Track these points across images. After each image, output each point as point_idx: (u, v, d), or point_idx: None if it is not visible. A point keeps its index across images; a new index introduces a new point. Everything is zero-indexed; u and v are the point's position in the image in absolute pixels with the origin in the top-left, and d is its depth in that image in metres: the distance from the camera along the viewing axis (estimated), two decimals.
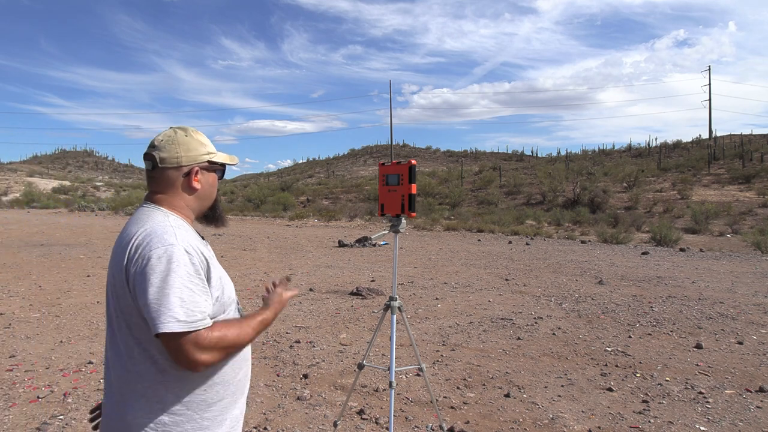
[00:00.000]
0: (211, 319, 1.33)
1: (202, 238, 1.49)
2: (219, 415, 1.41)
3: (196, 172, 1.47)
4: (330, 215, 26.87)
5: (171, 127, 1.50)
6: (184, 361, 1.27)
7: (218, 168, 1.54)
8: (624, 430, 3.43)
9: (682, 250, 14.39)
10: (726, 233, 18.78)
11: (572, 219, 23.33)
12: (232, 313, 1.46)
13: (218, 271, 1.42)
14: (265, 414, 3.61)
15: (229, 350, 1.35)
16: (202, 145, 1.49)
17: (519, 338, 5.53)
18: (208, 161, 1.50)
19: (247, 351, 1.53)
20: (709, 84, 53.07)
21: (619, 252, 13.87)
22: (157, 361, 1.32)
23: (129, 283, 1.30)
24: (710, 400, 3.89)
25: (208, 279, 1.36)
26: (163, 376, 1.33)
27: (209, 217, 1.58)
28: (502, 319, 6.35)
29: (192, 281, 1.29)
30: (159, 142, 1.45)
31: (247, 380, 1.53)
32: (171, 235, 1.32)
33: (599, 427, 3.46)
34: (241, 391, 1.49)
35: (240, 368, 1.47)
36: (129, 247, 1.31)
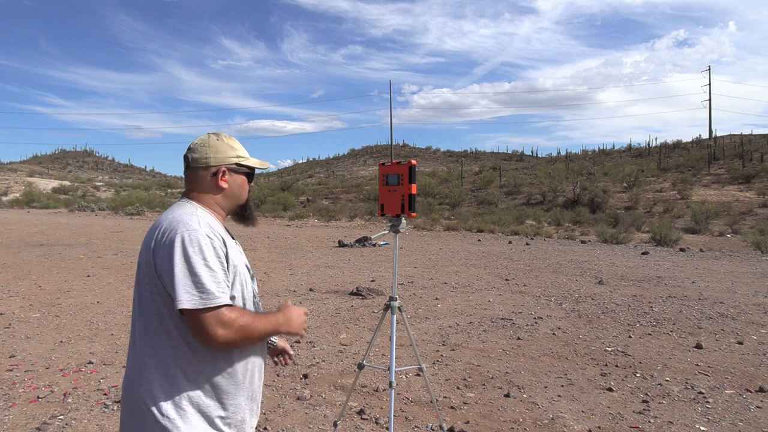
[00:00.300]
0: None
1: (232, 237, 1.60)
2: (225, 399, 1.48)
3: (224, 173, 1.60)
4: (330, 215, 26.88)
5: (207, 133, 1.65)
6: (205, 335, 1.38)
7: (246, 170, 1.66)
8: (624, 430, 3.43)
9: (682, 250, 14.39)
10: (726, 233, 18.78)
11: (572, 219, 23.33)
12: (249, 305, 1.56)
13: (236, 261, 1.52)
14: (265, 414, 3.61)
15: (244, 334, 1.41)
16: (231, 149, 1.62)
17: (519, 338, 5.53)
18: (237, 163, 1.62)
19: (255, 348, 1.58)
20: (709, 84, 53.10)
21: (619, 252, 13.87)
22: (172, 336, 1.43)
23: (156, 264, 1.43)
24: (710, 400, 3.89)
25: (225, 266, 1.46)
26: (174, 352, 1.43)
27: (240, 216, 1.72)
28: (502, 319, 6.35)
29: (213, 262, 1.40)
30: (194, 145, 1.62)
31: (255, 376, 1.59)
32: (195, 222, 1.44)
33: (599, 427, 3.47)
34: (249, 383, 1.55)
35: (248, 359, 1.54)
36: (156, 231, 1.45)
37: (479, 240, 17.25)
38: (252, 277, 1.65)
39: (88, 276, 9.11)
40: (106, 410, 3.66)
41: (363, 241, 15.13)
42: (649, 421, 3.55)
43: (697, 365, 4.69)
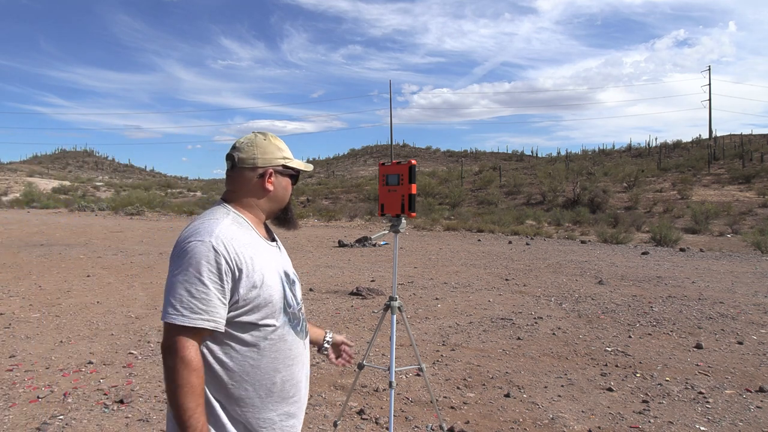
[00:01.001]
0: (231, 316, 1.36)
1: (273, 239, 1.57)
2: (246, 413, 1.41)
3: (270, 174, 1.52)
4: (330, 215, 26.87)
5: (253, 132, 1.57)
6: (162, 345, 1.34)
7: (292, 173, 1.58)
8: (624, 430, 3.43)
9: (682, 250, 14.39)
10: (726, 233, 18.78)
11: (572, 219, 23.33)
12: (272, 317, 1.44)
13: (264, 270, 1.42)
14: None
15: (173, 372, 1.29)
16: (278, 150, 1.54)
17: (519, 338, 5.53)
18: (283, 165, 1.55)
19: (296, 359, 1.51)
20: (709, 84, 53.11)
21: (619, 252, 13.87)
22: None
23: None
24: (710, 400, 3.89)
25: (240, 280, 1.36)
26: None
27: (281, 219, 1.64)
28: (502, 319, 6.35)
29: (205, 276, 1.31)
30: (240, 144, 1.53)
31: (290, 387, 1.49)
32: (208, 232, 1.36)
33: (599, 427, 3.47)
34: (282, 396, 1.47)
35: (277, 372, 1.45)
36: (178, 237, 1.41)
37: (479, 240, 17.25)
38: (292, 282, 1.56)
39: (88, 276, 9.11)
40: (106, 410, 3.66)
41: (363, 241, 15.13)
42: (649, 421, 3.55)
43: (697, 365, 4.69)
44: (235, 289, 1.36)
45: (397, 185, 2.78)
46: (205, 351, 1.37)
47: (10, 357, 4.76)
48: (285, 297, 1.48)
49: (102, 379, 4.27)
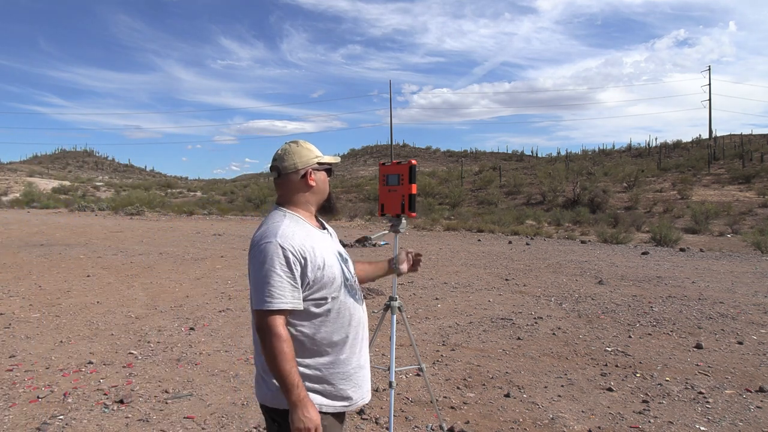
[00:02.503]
0: (306, 295, 1.71)
1: (323, 227, 1.91)
2: (327, 369, 1.76)
3: (310, 173, 1.84)
4: (332, 216, 26.81)
5: (286, 142, 1.89)
6: (256, 327, 1.68)
7: (326, 167, 1.91)
8: (624, 430, 3.43)
9: (682, 250, 14.39)
10: (726, 233, 18.78)
11: (572, 219, 23.31)
12: (337, 291, 1.78)
13: (325, 254, 1.76)
14: None
15: (269, 346, 1.64)
16: (310, 152, 1.86)
17: (519, 338, 5.53)
18: (318, 163, 1.86)
19: (358, 322, 1.85)
20: (709, 84, 53.10)
21: (619, 252, 13.87)
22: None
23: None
24: (710, 400, 3.90)
25: (306, 267, 1.69)
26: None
27: (326, 208, 1.95)
28: (502, 319, 6.35)
29: (278, 270, 1.65)
30: (279, 155, 1.85)
31: (357, 344, 1.84)
32: (274, 234, 1.70)
33: (599, 427, 3.47)
34: (350, 353, 1.81)
35: (346, 334, 1.79)
36: (251, 241, 1.76)
37: (479, 240, 17.25)
38: (345, 260, 1.88)
39: (88, 276, 9.11)
40: (106, 410, 3.67)
41: (363, 241, 15.13)
42: (649, 421, 3.55)
43: (697, 365, 4.69)
44: (304, 274, 1.69)
45: (397, 185, 2.78)
46: (289, 326, 1.70)
47: (10, 357, 4.76)
48: (343, 273, 1.82)
49: (102, 379, 4.27)
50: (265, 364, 1.70)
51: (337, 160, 1.97)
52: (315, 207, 1.90)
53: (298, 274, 1.68)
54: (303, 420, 1.62)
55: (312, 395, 1.71)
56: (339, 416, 1.81)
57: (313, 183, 1.84)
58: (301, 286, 1.70)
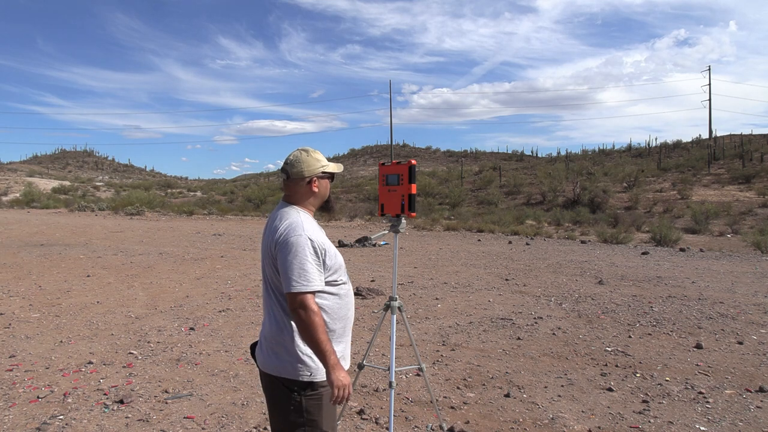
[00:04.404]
0: (327, 277, 2.01)
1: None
2: (338, 338, 2.06)
3: (315, 181, 2.12)
4: (330, 215, 26.83)
5: (298, 149, 2.17)
6: (291, 309, 1.93)
7: (329, 175, 2.19)
8: (624, 430, 3.43)
9: (682, 250, 14.39)
10: (726, 233, 18.77)
11: (572, 219, 23.31)
12: (343, 274, 2.11)
13: (332, 249, 2.07)
14: (265, 414, 3.61)
15: (309, 320, 1.89)
16: (317, 161, 2.13)
17: (519, 338, 5.53)
18: (322, 172, 2.14)
19: (351, 300, 2.14)
20: (709, 84, 53.11)
21: (619, 252, 13.87)
22: (285, 307, 2.00)
23: (274, 256, 1.99)
24: (710, 400, 3.90)
25: (325, 256, 2.00)
26: (288, 316, 2.01)
27: (324, 209, 2.25)
28: (502, 319, 6.35)
29: (310, 259, 1.94)
30: (290, 161, 2.13)
31: (351, 320, 2.17)
32: (301, 227, 1.98)
33: (599, 427, 3.47)
34: (350, 326, 2.15)
35: (349, 311, 2.13)
36: (277, 233, 2.00)
37: (479, 240, 17.25)
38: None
39: (88, 276, 9.11)
40: (106, 410, 3.67)
41: (363, 241, 15.13)
42: (649, 421, 3.55)
43: (697, 365, 4.69)
44: (323, 261, 2.00)
45: (397, 185, 2.79)
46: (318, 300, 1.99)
47: (10, 357, 4.76)
48: (342, 262, 2.13)
49: (102, 379, 4.27)
50: (283, 341, 1.99)
51: (340, 168, 2.23)
52: (316, 207, 2.19)
53: (321, 261, 1.99)
54: (341, 379, 1.89)
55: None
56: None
57: (316, 189, 2.13)
58: (323, 272, 2.01)
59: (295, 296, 1.91)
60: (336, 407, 2.04)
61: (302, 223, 2.00)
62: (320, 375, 1.97)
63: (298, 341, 1.99)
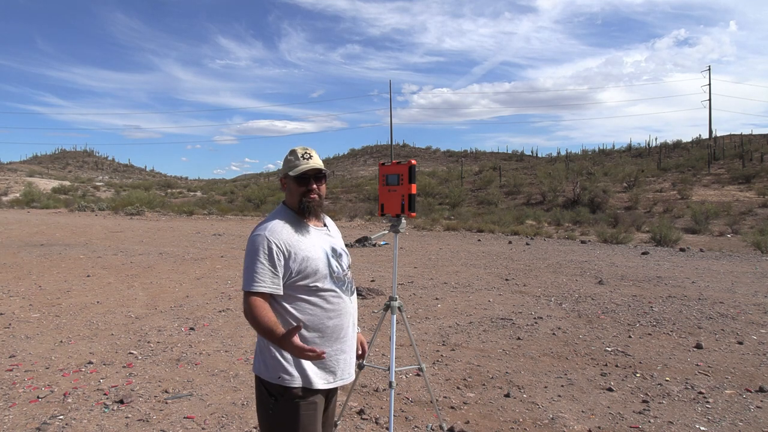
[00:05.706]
0: (291, 282, 1.94)
1: (324, 224, 2.17)
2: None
3: (283, 180, 2.13)
4: (330, 215, 26.77)
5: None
6: (243, 305, 1.91)
7: (299, 176, 2.05)
8: (624, 430, 3.43)
9: (682, 250, 14.38)
10: (726, 233, 18.77)
11: (572, 219, 23.31)
12: (322, 281, 1.99)
13: (304, 252, 1.96)
14: None
15: (249, 319, 1.87)
16: (288, 162, 2.09)
17: (519, 338, 5.53)
18: (286, 173, 2.10)
19: (343, 311, 2.04)
20: (709, 84, 53.10)
21: (619, 252, 13.87)
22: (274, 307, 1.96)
23: None
24: (710, 400, 3.90)
25: (289, 259, 1.93)
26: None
27: (298, 209, 2.09)
28: (502, 319, 6.35)
29: (262, 258, 1.90)
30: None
31: (340, 330, 2.03)
32: (263, 227, 1.97)
33: (599, 427, 3.47)
34: (335, 337, 2.02)
35: (329, 320, 2.00)
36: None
37: (479, 240, 17.25)
38: (339, 255, 2.08)
39: (88, 276, 9.11)
40: (106, 410, 3.67)
41: (363, 241, 15.12)
42: (649, 421, 3.55)
43: (697, 365, 4.69)
44: (287, 264, 1.93)
45: (397, 185, 2.79)
46: (281, 308, 1.95)
47: (10, 357, 4.76)
48: (330, 266, 2.02)
49: (102, 379, 4.27)
50: (266, 342, 1.93)
51: (300, 171, 2.03)
52: (294, 207, 2.10)
53: (280, 264, 1.92)
54: (292, 349, 1.80)
55: (305, 364, 1.95)
56: (321, 393, 2.02)
57: (284, 189, 2.14)
58: (284, 274, 1.93)
59: (244, 295, 1.90)
60: (318, 419, 2.00)
61: (268, 222, 1.99)
62: (297, 382, 1.93)
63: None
